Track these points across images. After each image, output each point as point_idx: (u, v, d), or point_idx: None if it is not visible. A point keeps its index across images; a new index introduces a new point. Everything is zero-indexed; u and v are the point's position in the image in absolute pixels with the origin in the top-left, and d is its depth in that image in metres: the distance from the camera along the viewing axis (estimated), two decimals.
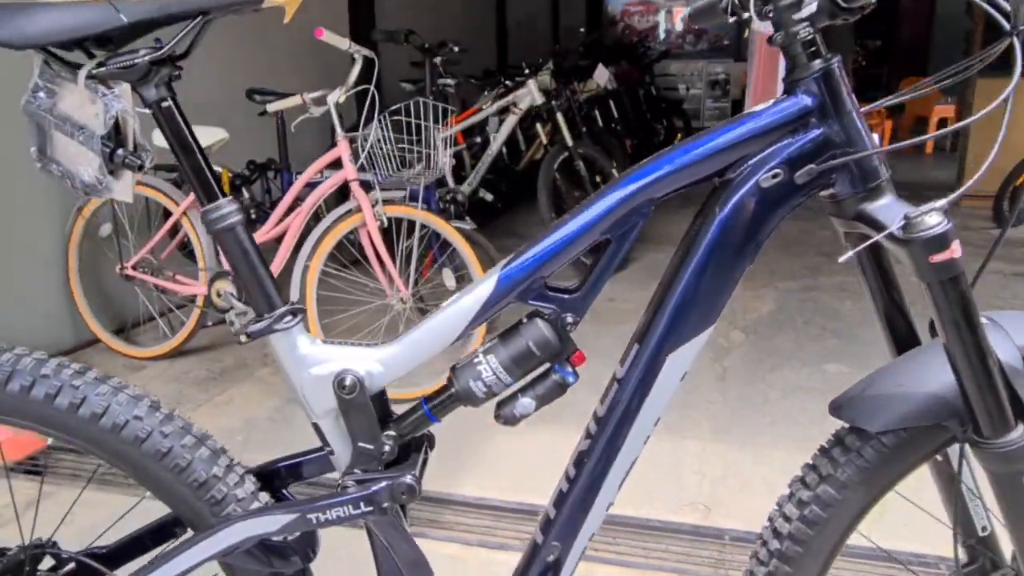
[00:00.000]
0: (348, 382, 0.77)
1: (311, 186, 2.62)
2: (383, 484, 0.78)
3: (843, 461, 0.79)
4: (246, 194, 3.14)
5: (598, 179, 3.93)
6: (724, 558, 1.67)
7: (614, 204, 0.74)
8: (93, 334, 2.92)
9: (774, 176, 0.72)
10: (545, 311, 0.78)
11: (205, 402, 2.54)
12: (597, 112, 4.85)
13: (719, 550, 1.71)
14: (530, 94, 3.67)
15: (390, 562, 0.82)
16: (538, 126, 4.01)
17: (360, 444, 0.80)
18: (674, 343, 0.76)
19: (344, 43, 2.32)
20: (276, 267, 2.66)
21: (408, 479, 0.78)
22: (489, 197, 4.31)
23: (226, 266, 2.71)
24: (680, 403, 2.42)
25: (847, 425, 0.80)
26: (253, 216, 2.99)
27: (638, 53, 6.61)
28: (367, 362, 0.79)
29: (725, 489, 1.95)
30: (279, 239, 2.64)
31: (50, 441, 2.09)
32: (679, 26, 10.50)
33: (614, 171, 3.89)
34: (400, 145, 2.46)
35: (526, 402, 0.80)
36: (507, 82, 3.81)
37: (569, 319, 0.77)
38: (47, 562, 0.93)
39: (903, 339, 0.83)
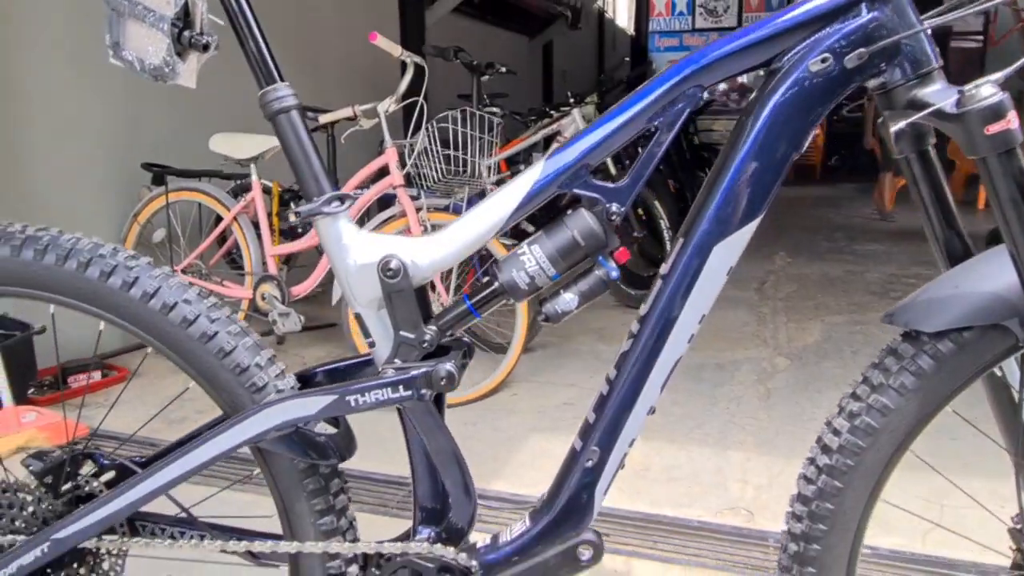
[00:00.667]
0: (393, 265, 0.78)
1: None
2: (422, 369, 0.78)
3: (896, 370, 0.76)
4: (294, 207, 3.23)
5: (641, 213, 3.94)
6: (767, 562, 1.60)
7: (665, 88, 0.75)
8: None
9: (823, 61, 0.72)
10: (589, 202, 0.78)
11: None
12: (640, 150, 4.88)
13: (762, 552, 1.63)
14: (574, 123, 3.73)
15: (422, 454, 0.81)
16: None
17: (402, 333, 0.80)
18: (721, 233, 0.75)
19: (396, 49, 2.42)
20: (319, 275, 2.72)
21: (448, 366, 0.78)
22: (531, 229, 4.36)
23: (271, 270, 2.78)
24: (724, 418, 2.36)
25: (899, 337, 0.77)
26: (300, 230, 3.07)
27: None
28: (412, 249, 0.79)
29: (770, 496, 1.87)
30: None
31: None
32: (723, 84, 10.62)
33: (659, 208, 3.89)
34: (446, 152, 2.52)
35: (568, 298, 0.79)
36: (552, 112, 3.89)
37: (614, 209, 0.77)
38: (88, 468, 0.93)
39: (956, 253, 0.81)
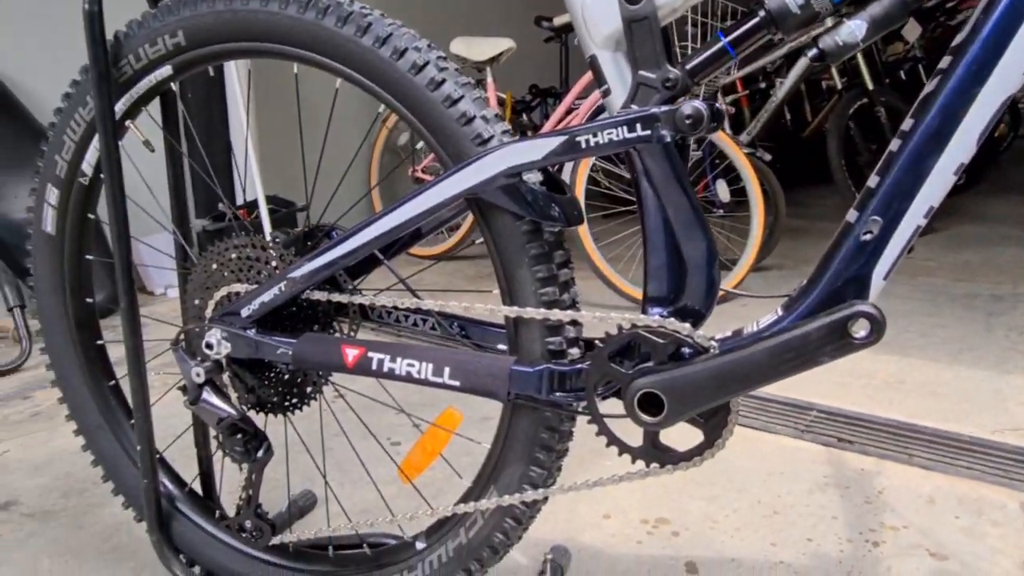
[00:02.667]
0: None
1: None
2: (664, 107, 0.67)
3: None
4: (525, 119, 3.24)
5: None
6: None
7: None
8: None
9: None
10: None
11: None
12: (902, 72, 4.25)
13: None
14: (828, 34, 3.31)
15: (657, 215, 0.70)
16: (833, 71, 3.61)
17: (641, 73, 0.69)
18: None
19: None
20: None
21: (696, 103, 0.66)
22: (767, 157, 3.99)
23: None
24: (1004, 344, 1.98)
25: None
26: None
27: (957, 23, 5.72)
28: None
29: None
30: None
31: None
32: None
33: None
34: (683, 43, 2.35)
35: (855, 25, 0.63)
36: None
37: None
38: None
39: None
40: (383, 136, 3.12)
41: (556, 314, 0.73)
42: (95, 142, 0.94)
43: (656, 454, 0.71)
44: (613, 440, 0.72)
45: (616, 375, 0.70)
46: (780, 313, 0.70)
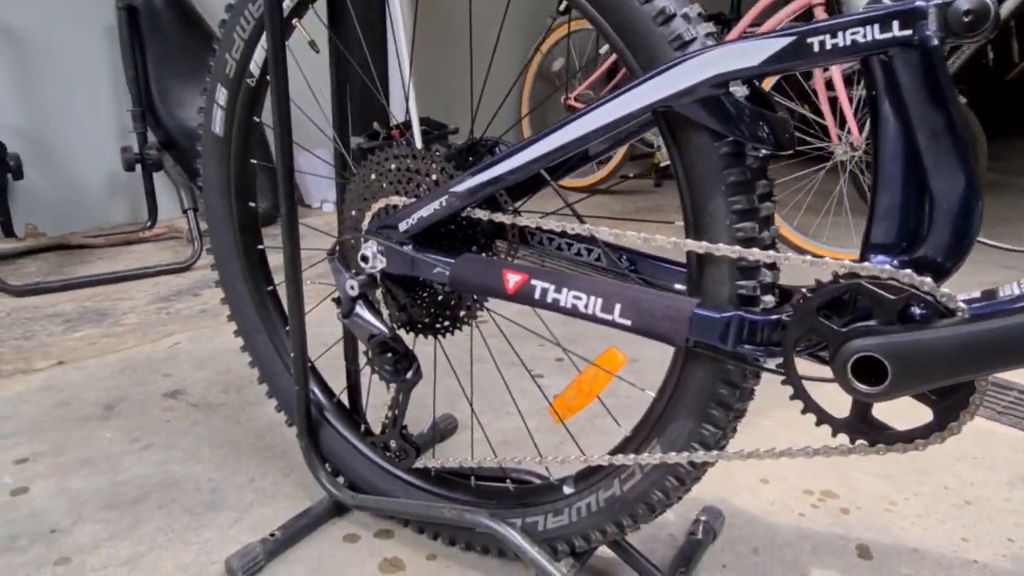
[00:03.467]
0: None
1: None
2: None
3: None
4: None
5: None
6: None
7: None
8: None
9: None
10: None
11: None
12: None
13: None
14: None
15: (898, 140, 0.56)
16: None
17: None
18: None
19: None
20: None
21: None
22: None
23: None
24: None
25: None
26: None
27: None
28: None
29: None
30: None
31: None
32: None
33: None
34: None
35: None
36: None
37: None
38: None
39: None
40: (536, 62, 3.00)
41: (755, 254, 0.62)
42: (263, 40, 0.91)
43: (866, 430, 0.60)
44: (811, 407, 0.61)
45: (826, 332, 0.59)
46: None
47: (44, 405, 1.35)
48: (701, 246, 0.65)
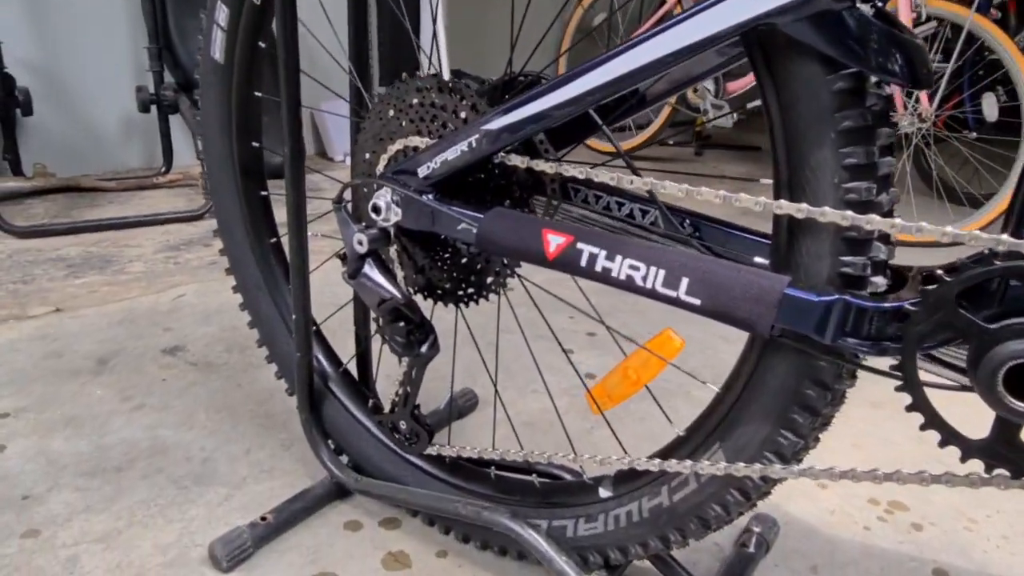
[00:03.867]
0: None
1: None
2: None
3: None
4: None
5: None
6: None
7: None
8: None
9: None
10: None
11: None
12: None
13: None
14: None
15: None
16: None
17: None
18: None
19: None
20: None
21: None
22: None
23: None
24: None
25: None
26: None
27: None
28: None
29: None
30: None
31: None
32: None
33: None
34: None
35: None
36: None
37: None
38: None
39: None
40: (577, 16, 2.82)
41: (874, 221, 0.48)
42: None
43: (1011, 456, 0.46)
44: (936, 423, 0.47)
45: (970, 328, 0.45)
46: None
47: (34, 355, 1.25)
48: (800, 209, 0.50)
